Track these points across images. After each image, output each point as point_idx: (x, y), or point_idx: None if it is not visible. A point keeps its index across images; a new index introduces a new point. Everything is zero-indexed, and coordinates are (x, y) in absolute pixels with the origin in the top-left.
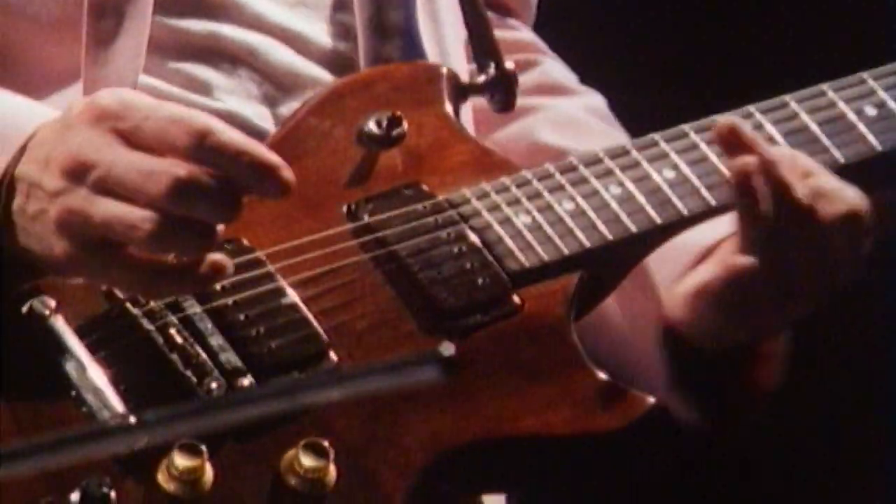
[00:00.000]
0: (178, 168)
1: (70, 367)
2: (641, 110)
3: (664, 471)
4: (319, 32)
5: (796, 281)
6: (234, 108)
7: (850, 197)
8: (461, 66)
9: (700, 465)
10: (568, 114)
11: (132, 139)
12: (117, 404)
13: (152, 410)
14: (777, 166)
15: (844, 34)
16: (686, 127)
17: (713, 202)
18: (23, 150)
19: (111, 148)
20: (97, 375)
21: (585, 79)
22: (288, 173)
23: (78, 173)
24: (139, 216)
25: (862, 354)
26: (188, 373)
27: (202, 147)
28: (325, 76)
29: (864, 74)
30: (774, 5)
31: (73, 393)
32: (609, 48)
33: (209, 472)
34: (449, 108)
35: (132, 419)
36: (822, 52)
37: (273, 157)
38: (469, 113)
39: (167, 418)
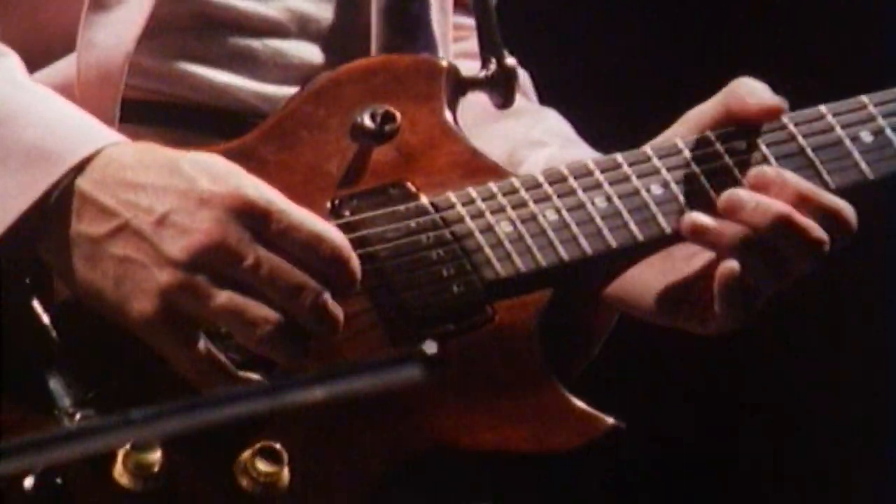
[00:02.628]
0: (324, 293)
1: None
2: (638, 119)
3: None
4: (338, 23)
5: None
6: (232, 81)
7: (848, 215)
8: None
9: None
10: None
11: (273, 244)
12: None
13: (140, 409)
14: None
15: (844, 43)
16: (679, 142)
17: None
18: (87, 160)
19: (254, 247)
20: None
21: (581, 86)
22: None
23: (211, 258)
24: (265, 315)
25: (862, 351)
26: None
27: (340, 273)
28: (334, 61)
29: (865, 98)
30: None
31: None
32: (608, 56)
33: (164, 468)
34: (445, 105)
35: (121, 418)
36: (819, 58)
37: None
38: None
39: (154, 416)
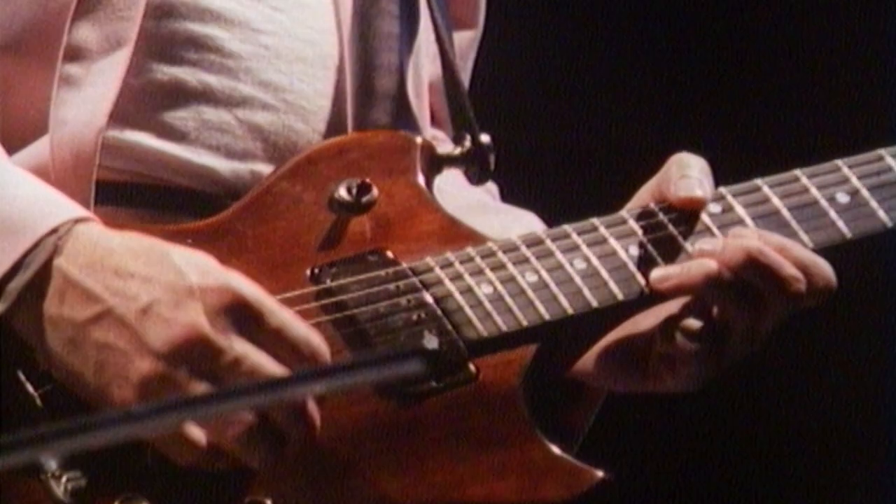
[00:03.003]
0: (304, 394)
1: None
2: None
3: None
4: (312, 93)
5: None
6: (207, 163)
7: (826, 270)
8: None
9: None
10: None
11: (258, 341)
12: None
13: (141, 404)
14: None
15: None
16: (654, 206)
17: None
18: (60, 233)
19: (238, 342)
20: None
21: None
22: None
23: (192, 352)
24: (241, 415)
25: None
26: None
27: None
28: (314, 137)
29: (839, 162)
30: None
31: None
32: (602, 75)
33: None
34: (420, 177)
35: (122, 412)
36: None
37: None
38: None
39: (156, 411)
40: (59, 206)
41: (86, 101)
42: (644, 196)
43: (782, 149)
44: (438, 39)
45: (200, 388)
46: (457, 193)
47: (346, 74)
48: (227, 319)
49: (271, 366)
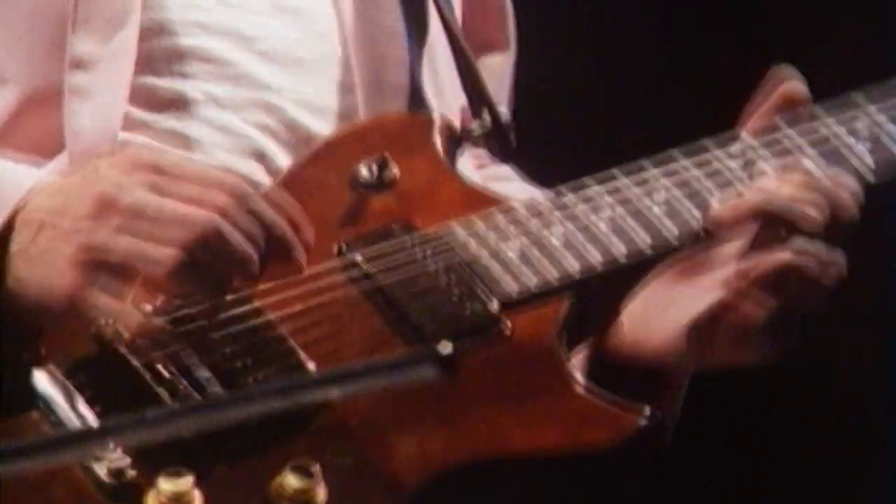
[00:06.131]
0: (214, 218)
1: (58, 408)
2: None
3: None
4: (316, 90)
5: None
6: (222, 161)
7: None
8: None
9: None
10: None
11: (166, 191)
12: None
13: (154, 409)
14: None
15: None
16: (675, 152)
17: (702, 228)
18: (24, 202)
19: (143, 193)
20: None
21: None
22: (302, 256)
23: (103, 213)
24: (161, 252)
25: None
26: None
27: (239, 205)
28: (326, 131)
29: (857, 96)
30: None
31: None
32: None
33: (198, 500)
34: (440, 151)
35: (136, 417)
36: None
37: (295, 240)
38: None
39: (169, 416)
40: (17, 179)
41: (96, 109)
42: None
43: None
44: (443, 20)
45: (123, 241)
46: None
47: (354, 70)
48: (132, 179)
49: (175, 206)
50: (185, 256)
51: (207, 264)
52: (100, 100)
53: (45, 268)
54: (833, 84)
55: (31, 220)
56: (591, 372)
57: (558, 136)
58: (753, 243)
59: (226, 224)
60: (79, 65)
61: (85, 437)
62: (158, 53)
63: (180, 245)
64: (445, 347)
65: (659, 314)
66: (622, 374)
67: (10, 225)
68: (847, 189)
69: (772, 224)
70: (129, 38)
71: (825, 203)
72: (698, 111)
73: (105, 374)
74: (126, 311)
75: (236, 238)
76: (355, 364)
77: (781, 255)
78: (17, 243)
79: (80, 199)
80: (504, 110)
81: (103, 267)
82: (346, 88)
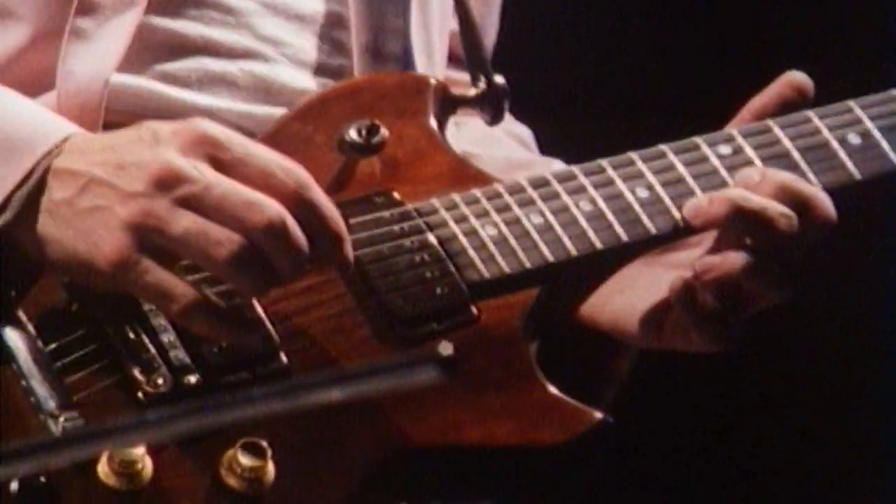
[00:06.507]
0: (281, 209)
1: (21, 360)
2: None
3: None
4: (313, 47)
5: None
6: (213, 103)
7: (825, 203)
8: None
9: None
10: (486, 130)
11: (230, 171)
12: (60, 397)
13: (153, 410)
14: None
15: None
16: (664, 147)
17: (682, 224)
18: (58, 147)
19: (210, 170)
20: (45, 369)
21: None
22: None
23: (168, 183)
24: (226, 235)
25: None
26: (136, 367)
27: (302, 199)
28: (316, 89)
29: (851, 102)
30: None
31: (23, 384)
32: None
33: (149, 467)
34: (432, 119)
35: (137, 419)
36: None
37: (346, 236)
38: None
39: (168, 418)
40: (56, 125)
41: (94, 54)
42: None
43: None
44: None
45: (184, 218)
46: (483, 154)
47: (352, 33)
48: (198, 153)
49: (242, 189)
50: (247, 243)
51: (264, 255)
52: (100, 45)
53: (92, 225)
54: (833, 89)
55: (75, 173)
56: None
57: (551, 106)
58: (717, 243)
59: (290, 217)
60: (87, 10)
61: (85, 437)
62: None
63: (244, 230)
64: (446, 349)
65: (617, 293)
66: (577, 337)
67: (37, 175)
68: (826, 205)
69: (743, 224)
70: None
71: (801, 212)
72: (695, 107)
73: (70, 327)
74: (180, 287)
75: (299, 233)
76: (357, 366)
77: (735, 264)
78: (53, 195)
79: (140, 162)
80: (500, 78)
81: (157, 238)
82: (341, 50)
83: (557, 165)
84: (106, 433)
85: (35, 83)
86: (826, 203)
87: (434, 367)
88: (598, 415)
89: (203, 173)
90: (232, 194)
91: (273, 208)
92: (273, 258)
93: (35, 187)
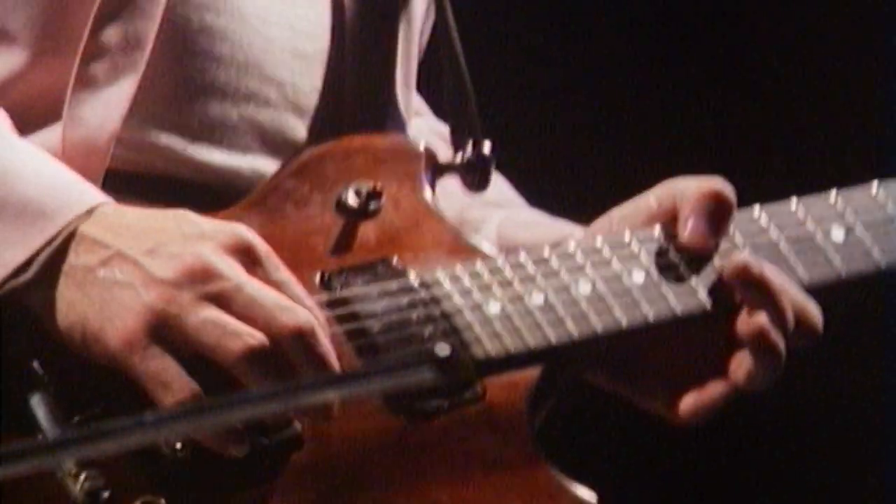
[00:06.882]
0: (311, 317)
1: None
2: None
3: None
4: (310, 89)
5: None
6: (209, 157)
7: (815, 314)
8: None
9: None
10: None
11: (262, 279)
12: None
13: (152, 412)
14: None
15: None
16: (658, 230)
17: (678, 311)
18: (87, 214)
19: (244, 272)
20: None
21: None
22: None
23: (199, 277)
24: (246, 329)
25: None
26: None
27: (307, 339)
28: (307, 133)
29: (834, 193)
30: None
31: None
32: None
33: None
34: (426, 186)
35: (134, 420)
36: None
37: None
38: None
39: (166, 419)
40: (86, 192)
41: (102, 102)
42: (641, 207)
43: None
44: (450, 44)
45: (205, 310)
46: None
47: (346, 73)
48: (233, 256)
49: (276, 294)
50: (266, 341)
51: (285, 358)
52: (108, 93)
53: (108, 299)
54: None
55: (101, 243)
56: None
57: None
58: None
59: (319, 326)
60: (96, 54)
61: (84, 438)
62: (176, 25)
63: (271, 331)
64: (443, 350)
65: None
66: None
67: (62, 237)
68: (815, 315)
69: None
70: (150, 30)
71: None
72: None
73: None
74: (179, 381)
75: (326, 342)
76: (355, 368)
77: (714, 392)
78: (74, 260)
79: (174, 252)
80: (488, 146)
81: (172, 327)
82: (334, 90)
83: (498, 178)
84: (106, 433)
85: (34, 108)
86: (815, 314)
87: (430, 368)
88: (593, 498)
89: (236, 274)
90: (265, 296)
91: (305, 314)
92: (296, 362)
93: (58, 250)
